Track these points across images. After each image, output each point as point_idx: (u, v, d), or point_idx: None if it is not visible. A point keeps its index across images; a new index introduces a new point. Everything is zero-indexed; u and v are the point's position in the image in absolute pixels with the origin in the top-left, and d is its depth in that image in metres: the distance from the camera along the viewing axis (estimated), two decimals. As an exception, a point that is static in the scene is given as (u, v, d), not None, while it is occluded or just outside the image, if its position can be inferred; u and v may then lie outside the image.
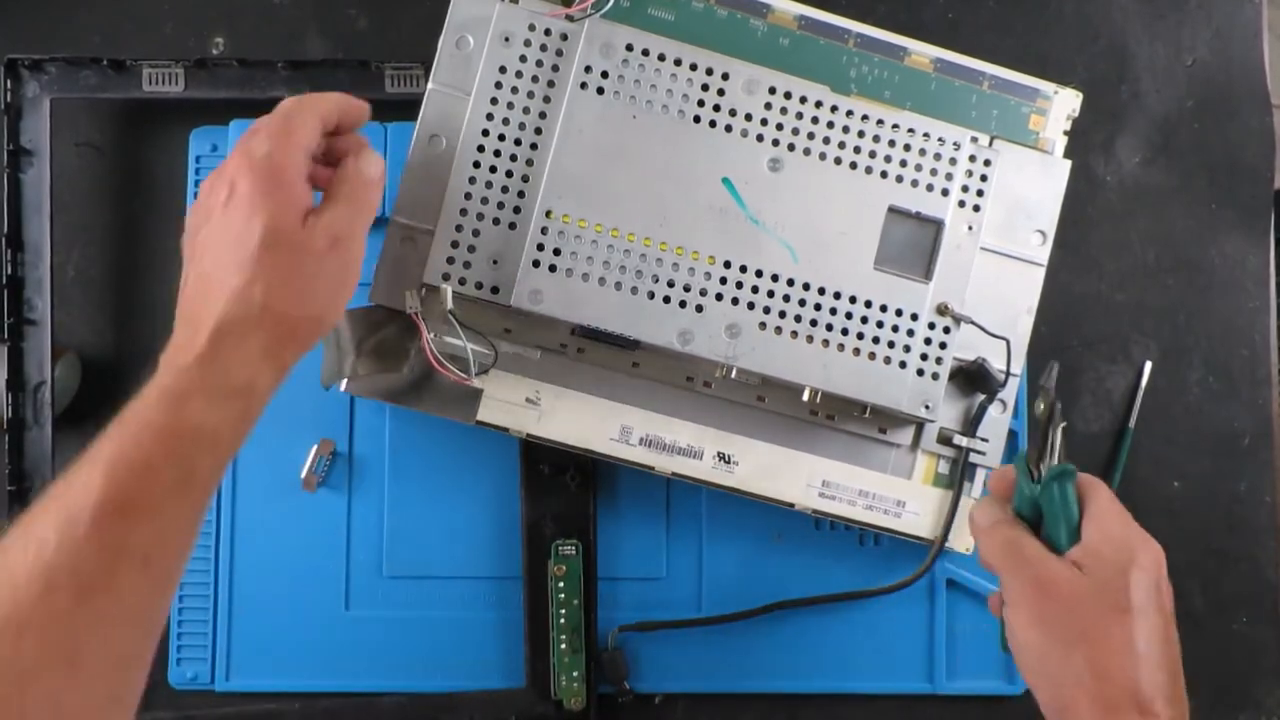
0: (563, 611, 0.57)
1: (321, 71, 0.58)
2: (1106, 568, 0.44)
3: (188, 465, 0.39)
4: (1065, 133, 0.58)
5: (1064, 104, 0.58)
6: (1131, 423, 0.61)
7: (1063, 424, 0.46)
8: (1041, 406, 0.46)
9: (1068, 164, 0.57)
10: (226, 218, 0.43)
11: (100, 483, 0.37)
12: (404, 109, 0.59)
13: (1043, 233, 0.57)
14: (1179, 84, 0.64)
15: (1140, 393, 0.61)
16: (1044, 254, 0.57)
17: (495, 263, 0.52)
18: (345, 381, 0.53)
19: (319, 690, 0.57)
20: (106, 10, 0.61)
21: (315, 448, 0.57)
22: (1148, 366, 0.62)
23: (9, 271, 0.56)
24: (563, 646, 0.57)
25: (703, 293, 0.53)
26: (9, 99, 0.57)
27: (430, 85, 0.53)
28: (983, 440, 0.57)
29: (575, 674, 0.57)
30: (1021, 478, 0.47)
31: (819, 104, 0.54)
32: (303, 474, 0.58)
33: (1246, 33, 0.64)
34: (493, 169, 0.52)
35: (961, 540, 0.57)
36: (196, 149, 0.59)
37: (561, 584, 0.57)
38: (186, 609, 0.58)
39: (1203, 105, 0.63)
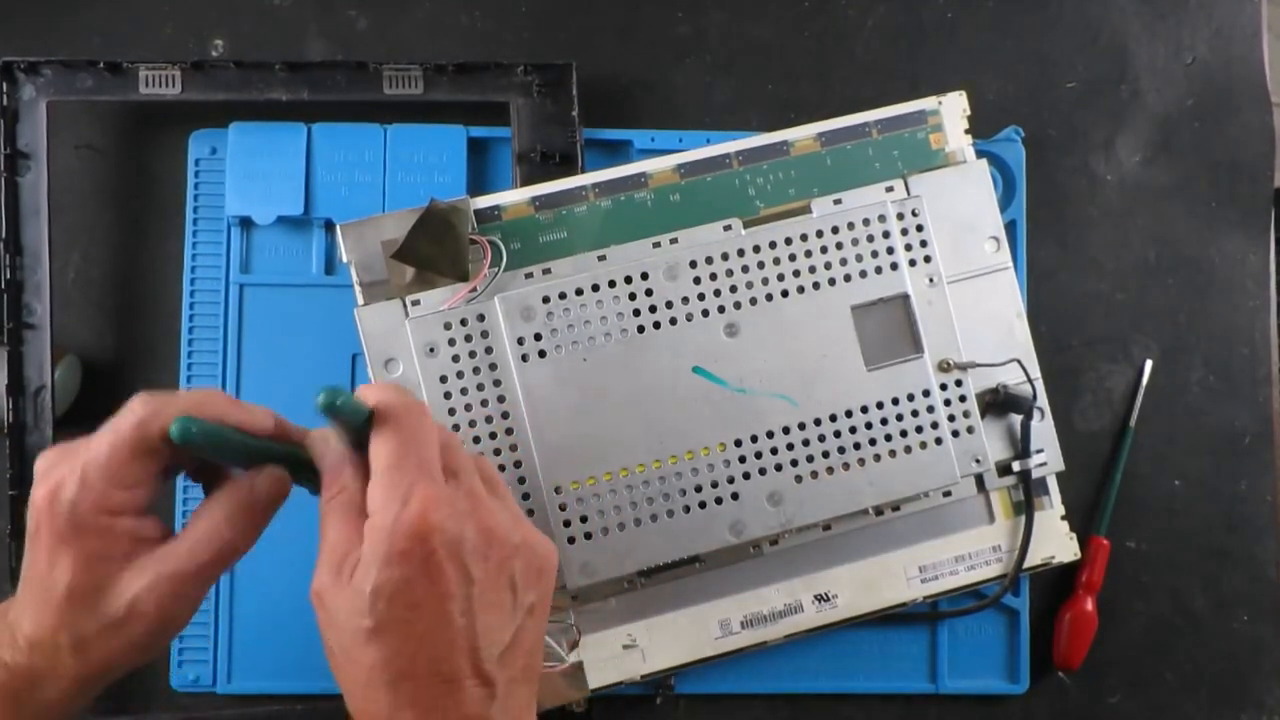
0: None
1: (319, 73, 0.58)
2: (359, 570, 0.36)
3: None
4: (966, 131, 0.58)
5: (953, 108, 0.58)
6: (1132, 422, 0.61)
7: None
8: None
9: (984, 164, 0.58)
10: None
11: None
12: (403, 111, 0.59)
13: (995, 239, 0.57)
14: (1179, 83, 0.63)
15: (1141, 392, 0.61)
16: (1005, 257, 0.57)
17: None
18: None
19: (321, 693, 0.57)
20: (106, 12, 0.61)
21: None
22: (1148, 366, 0.62)
23: (8, 276, 0.56)
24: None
25: (730, 480, 0.53)
26: (5, 102, 0.57)
27: None
28: (1039, 453, 0.57)
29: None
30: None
31: (740, 252, 0.54)
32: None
33: (1246, 32, 0.64)
34: None
35: (1039, 554, 0.58)
36: (196, 152, 0.59)
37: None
38: (187, 611, 0.58)
39: (1203, 105, 0.63)
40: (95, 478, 0.37)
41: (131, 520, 0.38)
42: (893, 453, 0.54)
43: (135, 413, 0.38)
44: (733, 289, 0.54)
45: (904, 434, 0.54)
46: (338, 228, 0.54)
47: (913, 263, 0.55)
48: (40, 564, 0.38)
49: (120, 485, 0.38)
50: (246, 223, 0.58)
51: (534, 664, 0.40)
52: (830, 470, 0.54)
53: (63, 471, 0.38)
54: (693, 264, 0.53)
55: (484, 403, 0.52)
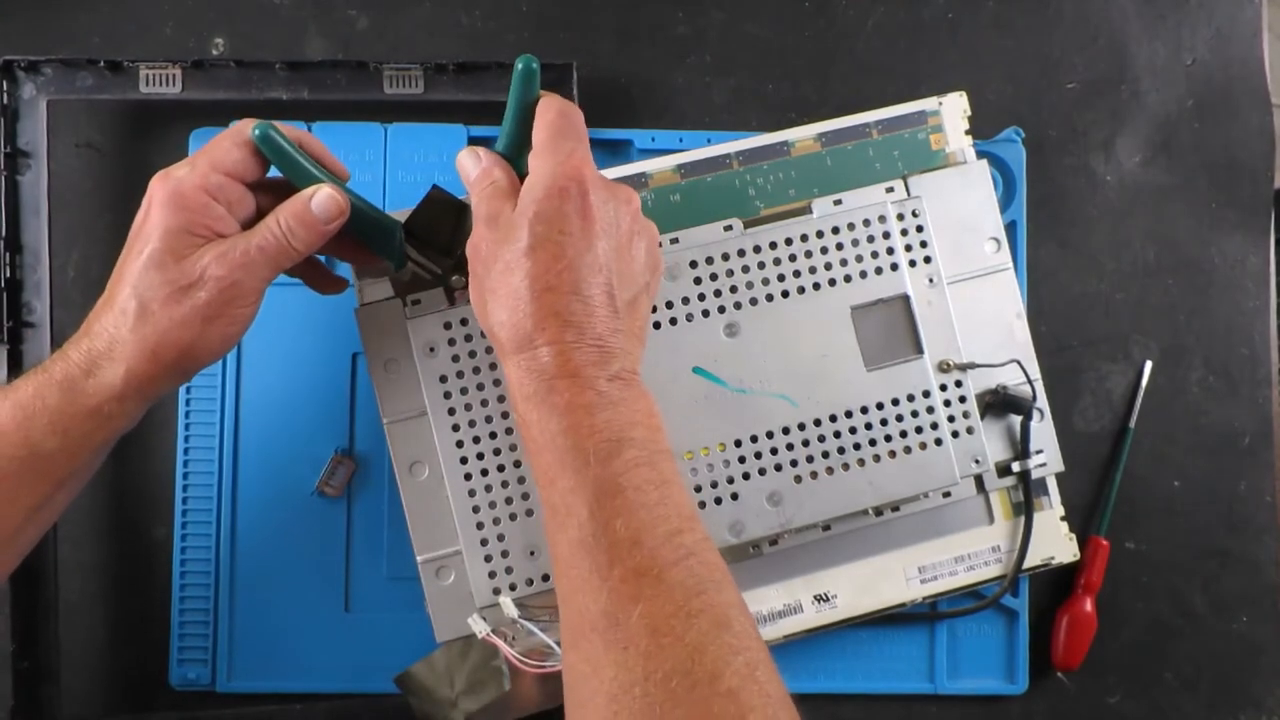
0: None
1: (319, 72, 0.58)
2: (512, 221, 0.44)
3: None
4: (966, 132, 0.58)
5: (953, 109, 0.58)
6: (1132, 422, 0.61)
7: None
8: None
9: (984, 164, 0.58)
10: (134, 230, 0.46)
11: None
12: (403, 110, 0.59)
13: (995, 239, 0.57)
14: (1179, 84, 0.63)
15: (1140, 392, 0.61)
16: (1005, 258, 0.57)
17: (533, 553, 0.52)
18: None
19: (320, 692, 0.57)
20: (106, 11, 0.61)
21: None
22: (1148, 366, 0.62)
23: (8, 275, 0.56)
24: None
25: (729, 480, 0.53)
26: (5, 101, 0.57)
27: (385, 421, 0.53)
28: (1038, 453, 0.57)
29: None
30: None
31: (740, 252, 0.54)
32: (328, 484, 0.58)
33: (1246, 32, 0.64)
34: (484, 471, 0.52)
35: (1039, 555, 0.58)
36: (196, 150, 0.59)
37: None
38: (188, 610, 0.58)
39: (1203, 105, 0.63)
40: (200, 160, 0.46)
41: (221, 210, 0.45)
42: (892, 453, 0.54)
43: (243, 121, 0.47)
44: (733, 289, 0.54)
45: (904, 434, 0.54)
46: None
47: (913, 263, 0.55)
48: (136, 236, 0.45)
49: (220, 169, 0.45)
50: (246, 222, 0.58)
51: (643, 333, 0.45)
52: (830, 470, 0.54)
53: (178, 164, 0.46)
54: (693, 264, 0.53)
55: (484, 403, 0.52)
